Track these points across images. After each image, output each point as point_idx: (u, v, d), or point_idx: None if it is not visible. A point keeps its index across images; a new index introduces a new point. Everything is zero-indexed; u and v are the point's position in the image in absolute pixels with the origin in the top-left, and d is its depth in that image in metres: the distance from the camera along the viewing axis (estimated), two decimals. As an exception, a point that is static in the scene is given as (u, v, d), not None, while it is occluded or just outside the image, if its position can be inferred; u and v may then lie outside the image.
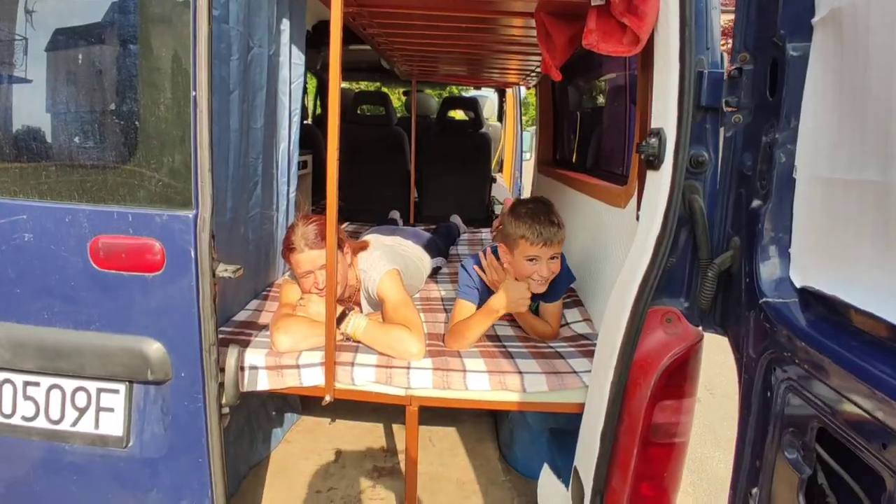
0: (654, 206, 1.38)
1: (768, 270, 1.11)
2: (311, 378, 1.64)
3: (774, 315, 1.06)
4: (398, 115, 5.17)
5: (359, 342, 1.76)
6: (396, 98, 9.92)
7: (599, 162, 2.78)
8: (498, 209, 4.31)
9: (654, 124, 1.41)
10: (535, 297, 2.00)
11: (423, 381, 1.63)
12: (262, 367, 1.64)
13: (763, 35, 1.16)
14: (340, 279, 1.83)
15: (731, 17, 1.38)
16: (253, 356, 1.65)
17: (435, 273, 2.67)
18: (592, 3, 1.41)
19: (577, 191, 2.47)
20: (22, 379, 1.34)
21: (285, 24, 2.14)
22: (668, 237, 1.32)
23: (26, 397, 1.34)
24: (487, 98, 5.45)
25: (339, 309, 1.77)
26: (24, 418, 1.35)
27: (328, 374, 1.61)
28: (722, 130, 1.31)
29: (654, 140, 1.36)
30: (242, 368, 1.61)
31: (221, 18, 1.61)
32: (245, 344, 1.73)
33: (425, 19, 2.11)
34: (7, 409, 1.35)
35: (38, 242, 1.28)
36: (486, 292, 1.96)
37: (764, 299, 1.10)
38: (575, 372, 1.66)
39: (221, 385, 1.33)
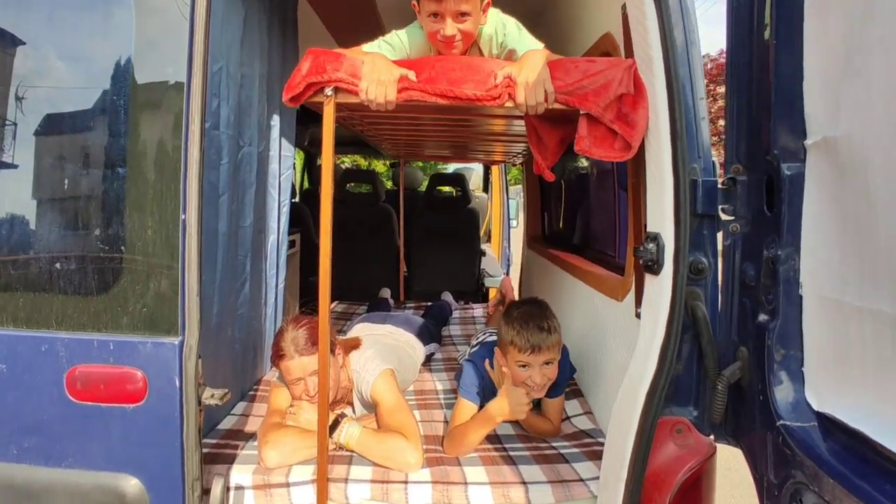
0: (656, 312, 1.35)
1: (783, 391, 1.07)
2: (303, 497, 1.53)
3: (795, 442, 1.01)
4: (386, 186, 5.23)
5: (353, 452, 1.67)
6: (382, 164, 10.10)
7: (590, 242, 2.78)
8: (488, 282, 4.28)
9: (650, 228, 1.40)
10: None
11: (422, 497, 1.52)
12: (249, 487, 1.52)
13: (755, 149, 1.17)
14: (332, 383, 1.75)
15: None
16: (239, 474, 1.54)
17: (429, 360, 2.60)
18: (581, 112, 1.42)
19: (571, 275, 2.45)
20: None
21: (275, 120, 2.17)
22: (674, 346, 1.29)
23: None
24: (473, 170, 5.56)
25: (332, 416, 1.68)
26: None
27: (321, 493, 1.50)
28: (720, 237, 1.31)
29: (651, 246, 1.35)
30: (228, 489, 1.50)
31: (212, 126, 1.61)
32: (231, 459, 1.62)
33: (411, 118, 2.15)
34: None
35: (11, 373, 1.20)
36: (489, 391, 1.89)
37: (781, 422, 1.06)
38: (582, 480, 1.57)
39: (205, 523, 1.23)
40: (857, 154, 0.87)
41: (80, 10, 1.24)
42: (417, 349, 2.42)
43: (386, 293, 3.67)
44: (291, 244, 3.74)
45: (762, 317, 1.14)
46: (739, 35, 1.17)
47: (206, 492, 1.26)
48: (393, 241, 3.97)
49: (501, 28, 1.66)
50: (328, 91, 1.38)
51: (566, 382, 1.94)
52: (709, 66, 19.06)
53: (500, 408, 1.69)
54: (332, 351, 1.77)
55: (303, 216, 4.11)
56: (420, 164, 5.89)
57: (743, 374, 1.23)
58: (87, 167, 1.21)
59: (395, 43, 1.65)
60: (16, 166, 1.23)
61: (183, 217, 1.15)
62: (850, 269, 0.92)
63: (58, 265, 1.20)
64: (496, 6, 1.66)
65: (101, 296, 1.19)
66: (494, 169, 5.22)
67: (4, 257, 1.23)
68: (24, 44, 1.27)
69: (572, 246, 2.94)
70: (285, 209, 2.33)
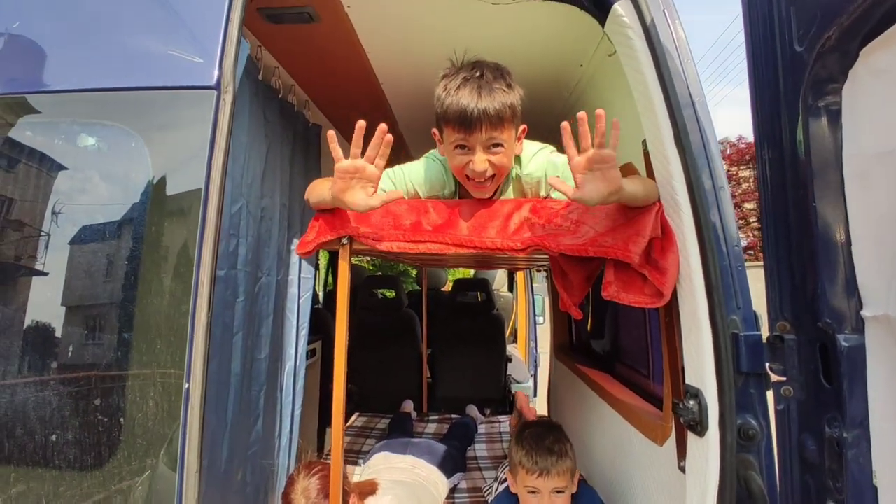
0: (703, 479, 1.20)
1: None
2: None
3: None
4: (409, 286, 5.18)
5: None
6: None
7: (620, 356, 2.63)
8: (515, 388, 4.09)
9: (689, 380, 1.28)
10: None
11: None
12: None
13: (801, 309, 1.07)
14: (345, 537, 1.60)
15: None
16: None
17: (453, 491, 2.40)
18: (609, 258, 1.36)
19: (603, 400, 2.29)
20: None
21: (295, 244, 2.16)
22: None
23: None
24: (497, 271, 5.52)
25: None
26: None
27: None
28: (770, 398, 1.18)
29: (692, 403, 1.23)
30: None
31: (229, 266, 1.60)
32: None
33: (431, 255, 2.12)
34: None
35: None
36: None
37: None
38: None
39: None
40: None
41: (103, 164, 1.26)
42: (440, 484, 2.24)
43: (408, 406, 3.52)
44: (312, 353, 3.67)
45: (831, 505, 0.99)
46: (774, 190, 1.10)
47: None
48: (416, 348, 3.86)
49: (553, 169, 1.48)
50: (343, 241, 1.36)
51: None
52: (728, 152, 19.32)
53: None
54: (347, 501, 1.64)
55: (325, 322, 4.06)
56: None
57: (815, 568, 1.05)
58: (91, 334, 1.17)
59: (398, 182, 1.52)
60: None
61: (186, 386, 1.08)
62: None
63: (53, 438, 1.13)
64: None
65: (96, 471, 1.11)
66: (519, 273, 5.17)
67: None
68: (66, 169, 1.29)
69: (601, 360, 2.79)
70: (304, 332, 2.27)
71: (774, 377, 1.14)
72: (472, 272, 5.54)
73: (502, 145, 1.37)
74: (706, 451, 1.20)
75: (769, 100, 1.08)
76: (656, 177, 1.36)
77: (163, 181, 1.23)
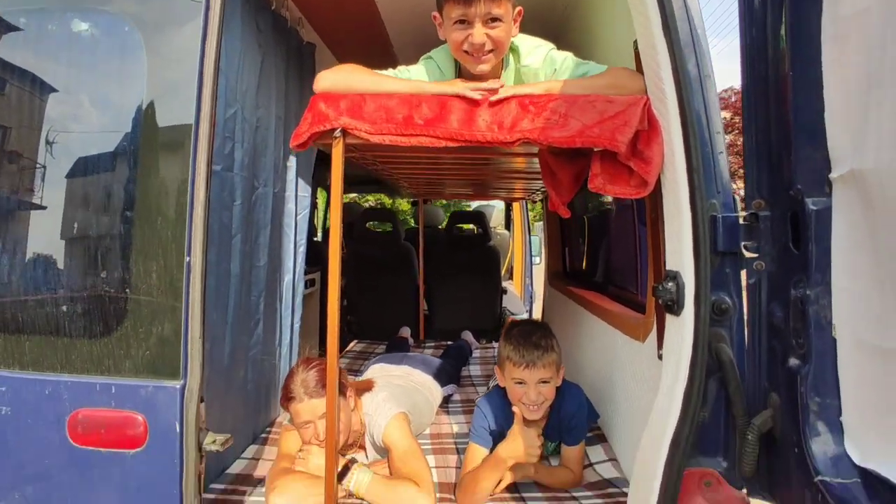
0: (678, 354, 1.28)
1: (820, 444, 0.98)
2: (309, 549, 1.46)
3: (836, 501, 0.91)
4: (407, 224, 5.23)
5: (363, 500, 1.60)
6: (407, 202, 10.19)
7: (611, 278, 2.71)
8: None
9: (669, 266, 1.34)
10: (555, 438, 1.85)
11: (434, 551, 1.44)
12: (255, 538, 1.47)
13: (776, 182, 1.11)
14: (343, 427, 1.70)
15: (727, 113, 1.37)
16: (244, 524, 1.48)
17: (447, 401, 2.52)
18: (594, 151, 1.39)
19: (592, 313, 2.38)
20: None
21: (292, 161, 2.19)
22: (698, 390, 1.20)
23: None
24: (495, 207, 5.55)
25: (342, 462, 1.62)
26: None
27: (327, 544, 1.44)
28: (744, 275, 1.24)
29: (671, 285, 1.29)
30: (232, 540, 1.45)
31: (225, 168, 1.63)
32: (236, 506, 1.57)
33: (427, 157, 2.14)
34: None
35: (16, 416, 1.19)
36: (501, 434, 1.82)
37: (820, 477, 0.96)
38: (605, 535, 1.47)
39: (203, 576, 1.17)
40: (890, 185, 0.81)
41: (97, 57, 1.27)
42: (434, 391, 2.35)
43: (406, 332, 3.63)
44: (311, 283, 3.75)
45: (793, 361, 1.06)
46: (755, 68, 1.13)
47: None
48: (413, 280, 3.94)
49: (550, 64, 1.52)
50: (336, 133, 1.38)
51: (586, 428, 1.85)
52: (733, 99, 18.96)
53: (511, 449, 1.64)
54: (343, 393, 1.73)
55: (324, 256, 4.13)
56: (442, 202, 5.91)
57: (775, 424, 1.14)
58: (96, 211, 1.22)
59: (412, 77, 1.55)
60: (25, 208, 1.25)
61: (188, 259, 1.14)
62: (888, 309, 0.84)
63: (64, 308, 1.19)
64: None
65: (105, 338, 1.18)
66: (516, 206, 5.20)
67: (12, 299, 1.23)
68: (56, 91, 1.31)
69: (593, 283, 2.87)
70: (302, 249, 2.33)
71: (748, 254, 1.20)
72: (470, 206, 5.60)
73: (500, 20, 1.39)
74: (681, 328, 1.26)
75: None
76: (644, 70, 1.37)
77: (158, 70, 1.25)
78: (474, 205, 5.90)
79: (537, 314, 4.38)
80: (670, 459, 1.21)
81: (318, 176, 4.48)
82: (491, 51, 1.41)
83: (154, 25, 1.23)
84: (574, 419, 1.80)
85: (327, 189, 5.07)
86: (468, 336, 3.56)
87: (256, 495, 1.65)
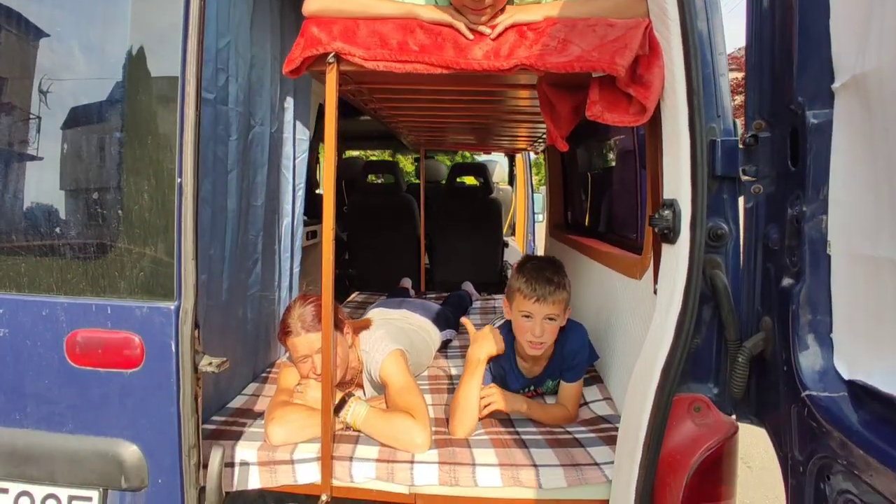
0: (672, 283, 1.27)
1: (809, 359, 0.98)
2: (307, 475, 1.50)
3: (822, 413, 0.92)
4: (410, 181, 5.19)
5: (359, 432, 1.63)
6: (410, 163, 10.11)
7: (612, 226, 2.70)
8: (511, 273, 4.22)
9: (666, 195, 1.32)
10: (556, 376, 1.87)
11: (428, 477, 1.48)
12: (254, 463, 1.50)
13: (778, 102, 1.08)
14: (340, 362, 1.72)
15: (740, 74, 1.33)
16: (244, 450, 1.52)
17: (445, 346, 2.55)
18: (594, 76, 1.36)
19: (590, 258, 2.37)
20: (-13, 488, 1.24)
21: (289, 102, 2.15)
22: (691, 317, 1.20)
23: (-11, 508, 1.23)
24: (497, 163, 5.49)
25: (339, 395, 1.65)
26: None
27: (325, 470, 1.48)
28: (741, 201, 1.22)
29: (667, 212, 1.27)
30: (232, 465, 1.48)
31: (220, 100, 1.60)
32: (238, 435, 1.61)
33: (427, 93, 2.10)
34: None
35: (14, 338, 1.20)
36: (500, 375, 1.85)
37: (807, 392, 0.97)
38: (597, 464, 1.50)
39: (203, 490, 1.21)
40: (890, 87, 0.79)
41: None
42: (433, 334, 2.37)
43: (407, 283, 3.65)
44: (314, 234, 3.75)
45: (787, 281, 1.05)
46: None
47: (205, 465, 1.24)
48: (414, 232, 3.94)
49: None
50: (329, 58, 1.35)
51: (584, 367, 1.87)
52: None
53: (479, 349, 1.72)
54: (340, 329, 1.75)
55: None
56: (445, 159, 5.84)
57: (766, 346, 1.14)
58: (86, 134, 1.21)
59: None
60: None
61: (179, 181, 1.13)
62: (884, 218, 0.83)
63: (58, 230, 1.20)
64: None
65: (100, 259, 1.19)
66: (519, 161, 5.14)
67: (6, 224, 1.24)
68: (48, 36, 1.28)
69: (594, 231, 2.85)
70: (300, 193, 2.32)
71: (747, 179, 1.18)
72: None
73: None
74: (676, 255, 1.25)
75: None
76: (649, -9, 1.33)
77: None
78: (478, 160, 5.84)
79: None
80: (661, 385, 1.22)
81: (320, 131, 4.43)
82: (491, 4, 1.34)
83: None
84: (576, 357, 1.82)
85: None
86: (469, 287, 3.57)
87: (256, 426, 1.69)
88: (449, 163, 5.40)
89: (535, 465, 1.49)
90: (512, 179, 5.43)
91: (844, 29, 0.89)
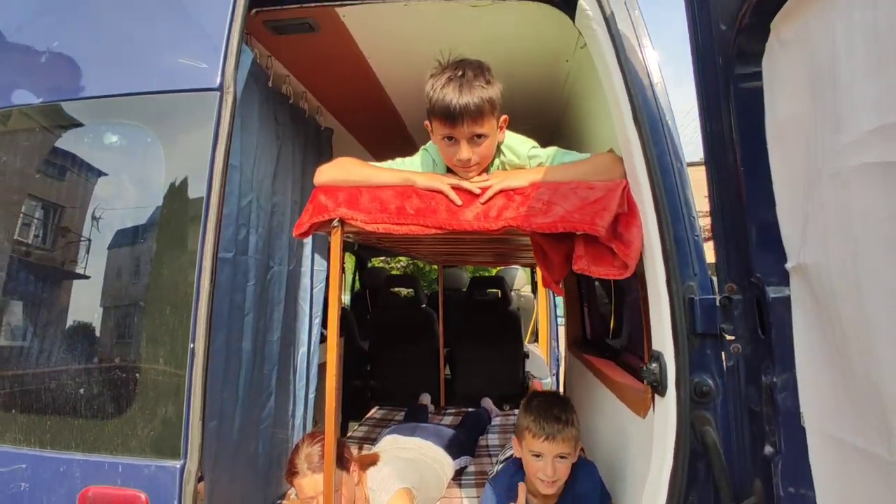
0: (663, 437, 1.28)
1: (795, 537, 0.96)
2: None
3: None
4: (434, 288, 5.30)
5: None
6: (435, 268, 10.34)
7: (625, 345, 2.69)
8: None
9: (654, 346, 1.37)
10: None
11: None
12: None
13: (743, 272, 1.15)
14: (346, 502, 1.73)
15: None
16: None
17: (460, 473, 2.50)
18: (577, 233, 1.46)
19: (603, 385, 2.36)
20: None
21: (307, 239, 2.33)
22: (681, 476, 1.20)
23: None
24: (518, 269, 5.59)
25: (342, 540, 1.64)
26: None
27: None
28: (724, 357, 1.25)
29: (654, 366, 1.31)
30: None
31: (239, 252, 1.77)
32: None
33: (431, 241, 2.22)
34: None
35: (33, 493, 1.28)
36: None
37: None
38: None
39: None
40: (826, 282, 0.85)
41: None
42: (444, 464, 2.34)
43: (426, 399, 3.64)
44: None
45: (768, 449, 1.06)
46: (716, 157, 1.18)
47: None
48: (434, 344, 3.98)
49: (535, 159, 1.62)
50: (334, 223, 1.50)
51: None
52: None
53: None
54: (347, 468, 1.77)
55: (347, 321, 4.24)
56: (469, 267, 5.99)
57: (761, 512, 1.12)
58: (115, 301, 1.35)
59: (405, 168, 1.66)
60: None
61: (191, 346, 1.24)
62: (843, 403, 0.85)
63: (81, 391, 1.31)
64: (515, 129, 1.67)
65: (116, 419, 1.28)
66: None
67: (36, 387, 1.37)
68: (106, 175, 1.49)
69: (608, 350, 2.84)
70: (317, 321, 2.43)
71: (728, 337, 1.22)
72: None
73: (485, 136, 1.50)
74: (666, 409, 1.27)
75: (709, 76, 1.16)
76: (624, 159, 1.45)
77: (174, 172, 1.41)
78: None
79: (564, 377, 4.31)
80: (660, 547, 1.19)
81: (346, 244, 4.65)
82: (477, 163, 1.51)
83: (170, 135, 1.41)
84: (587, 500, 1.77)
85: (354, 254, 5.26)
86: (488, 403, 3.53)
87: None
88: (472, 269, 5.54)
89: None
90: (535, 286, 5.50)
91: (788, 218, 0.97)
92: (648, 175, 1.32)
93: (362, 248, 4.99)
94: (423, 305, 4.08)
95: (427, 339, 3.98)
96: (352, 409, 3.90)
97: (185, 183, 1.38)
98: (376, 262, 5.71)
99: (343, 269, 2.35)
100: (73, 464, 1.27)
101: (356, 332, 4.31)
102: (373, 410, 3.68)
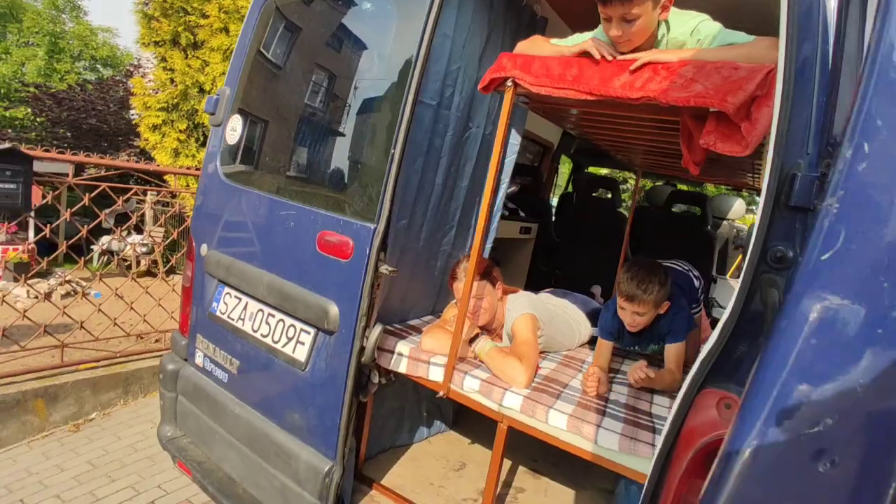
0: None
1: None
2: (435, 374, 2.09)
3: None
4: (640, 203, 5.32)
5: (481, 362, 2.15)
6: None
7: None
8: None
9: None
10: (656, 341, 2.14)
11: (513, 403, 1.91)
12: (406, 356, 2.16)
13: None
14: (488, 306, 2.27)
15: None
16: (402, 346, 2.19)
17: (594, 342, 2.83)
18: (711, 110, 1.59)
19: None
20: (267, 310, 2.16)
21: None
22: (730, 322, 1.38)
23: (266, 322, 2.14)
24: (739, 200, 5.16)
25: (475, 331, 2.20)
26: (261, 334, 2.15)
27: (447, 374, 2.04)
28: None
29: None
30: (391, 352, 2.17)
31: (443, 106, 2.29)
32: (403, 336, 2.30)
33: (608, 118, 2.40)
34: (256, 327, 2.17)
35: (297, 229, 2.08)
36: (621, 332, 2.19)
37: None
38: (653, 444, 1.71)
39: (362, 349, 1.90)
40: None
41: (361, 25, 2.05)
42: (582, 324, 2.71)
43: (596, 290, 3.94)
44: (528, 230, 4.33)
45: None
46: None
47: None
48: (618, 248, 4.16)
49: (696, 35, 1.75)
50: (508, 83, 1.89)
51: (685, 330, 2.13)
52: None
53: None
54: (493, 283, 2.29)
55: (547, 213, 4.66)
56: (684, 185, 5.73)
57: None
58: (358, 126, 2.02)
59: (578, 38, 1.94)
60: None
61: (392, 151, 1.82)
62: None
63: (327, 178, 2.03)
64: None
65: (343, 192, 1.98)
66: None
67: (303, 168, 2.15)
68: (367, 48, 2.17)
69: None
70: (503, 187, 2.90)
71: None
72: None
73: (636, 19, 1.70)
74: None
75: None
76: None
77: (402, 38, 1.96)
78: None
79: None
80: (696, 377, 1.43)
81: (564, 145, 4.97)
82: (628, 40, 1.72)
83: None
84: (674, 322, 2.13)
85: (573, 158, 5.53)
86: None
87: (416, 337, 2.35)
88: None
89: (598, 425, 1.79)
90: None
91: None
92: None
93: (578, 152, 5.22)
94: (618, 209, 4.24)
95: (613, 241, 4.18)
96: (535, 289, 4.41)
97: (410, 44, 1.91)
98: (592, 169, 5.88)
99: (510, 132, 2.74)
100: (318, 216, 2.01)
101: (552, 226, 4.71)
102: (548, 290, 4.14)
